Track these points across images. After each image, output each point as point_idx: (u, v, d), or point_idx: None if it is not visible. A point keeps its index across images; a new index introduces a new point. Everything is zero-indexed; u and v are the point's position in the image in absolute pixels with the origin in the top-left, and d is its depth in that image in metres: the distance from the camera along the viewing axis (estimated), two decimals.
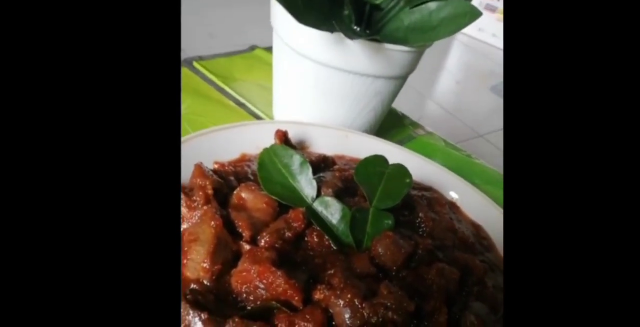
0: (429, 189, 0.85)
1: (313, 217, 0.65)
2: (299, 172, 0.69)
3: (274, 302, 0.56)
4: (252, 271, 0.56)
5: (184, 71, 1.15)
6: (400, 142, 1.10)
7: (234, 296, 0.58)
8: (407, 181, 0.72)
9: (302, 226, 0.64)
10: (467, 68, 3.67)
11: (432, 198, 0.81)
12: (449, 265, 0.65)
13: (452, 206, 0.84)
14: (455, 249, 0.72)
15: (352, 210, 0.67)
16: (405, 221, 0.74)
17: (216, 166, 0.76)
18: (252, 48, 1.33)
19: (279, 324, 0.54)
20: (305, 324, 0.54)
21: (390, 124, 1.16)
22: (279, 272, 0.55)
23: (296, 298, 0.55)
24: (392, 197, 0.70)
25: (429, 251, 0.66)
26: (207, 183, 0.65)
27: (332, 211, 0.67)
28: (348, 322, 0.55)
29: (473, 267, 0.67)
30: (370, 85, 0.93)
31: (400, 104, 1.18)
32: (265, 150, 0.71)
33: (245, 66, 1.24)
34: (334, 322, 0.56)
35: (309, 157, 0.78)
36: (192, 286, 0.57)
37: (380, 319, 0.55)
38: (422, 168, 0.89)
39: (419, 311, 0.59)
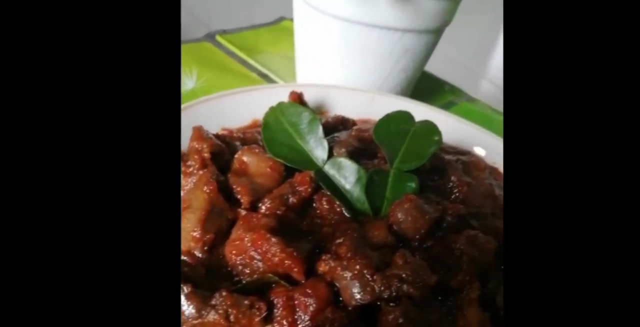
0: (466, 153, 0.74)
1: (323, 181, 0.57)
2: (307, 131, 0.61)
3: (270, 275, 0.48)
4: (246, 239, 0.49)
5: (206, 46, 1.10)
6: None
7: (228, 269, 0.51)
8: (436, 138, 0.62)
9: (309, 190, 0.56)
10: None
11: (469, 162, 0.70)
12: (485, 234, 0.55)
13: (494, 171, 0.73)
14: (495, 218, 0.61)
15: (369, 172, 0.58)
16: (435, 186, 0.64)
17: (224, 133, 0.70)
18: (280, 20, 1.26)
19: (275, 300, 0.47)
20: (306, 299, 0.46)
21: (427, 90, 1.05)
22: (274, 240, 0.48)
23: (295, 270, 0.48)
24: (417, 157, 0.60)
25: (460, 217, 0.56)
26: (205, 146, 0.58)
27: (345, 173, 0.58)
28: (357, 297, 0.47)
29: None
30: (398, 41, 0.83)
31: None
32: (271, 109, 0.63)
33: (271, 38, 1.18)
34: (340, 298, 0.48)
35: (325, 119, 0.70)
36: (183, 258, 0.51)
37: (394, 294, 0.46)
38: (459, 130, 0.78)
39: (444, 286, 0.50)
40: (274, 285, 0.48)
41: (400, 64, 0.86)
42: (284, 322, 0.46)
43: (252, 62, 1.06)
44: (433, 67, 1.18)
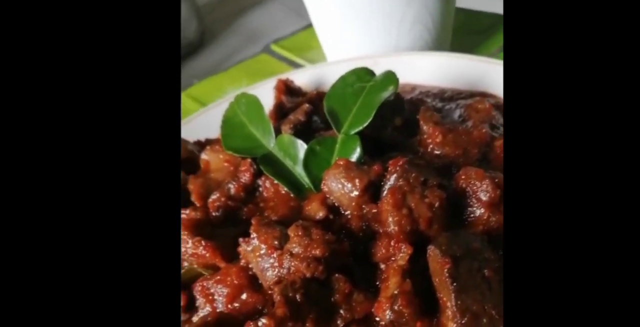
0: (473, 95, 0.62)
1: (265, 164, 0.54)
2: (256, 117, 0.59)
3: (195, 267, 0.48)
4: None
5: (262, 58, 1.14)
6: (493, 55, 0.84)
7: None
8: (390, 88, 0.54)
9: (248, 176, 0.54)
10: None
11: (466, 106, 0.58)
12: (440, 187, 0.45)
13: None
14: (480, 163, 0.50)
15: (310, 143, 0.53)
16: (410, 142, 0.55)
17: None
18: None
19: (194, 290, 0.47)
20: (220, 287, 0.45)
21: (480, 34, 0.90)
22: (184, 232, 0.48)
23: (207, 255, 0.47)
24: (367, 113, 0.53)
25: (407, 172, 0.46)
26: None
27: (291, 151, 0.55)
28: (267, 277, 0.43)
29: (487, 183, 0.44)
30: None
31: None
32: (230, 104, 0.63)
33: None
34: (260, 281, 0.45)
35: (301, 100, 0.66)
36: None
37: (286, 271, 0.41)
38: (475, 71, 0.66)
39: (364, 256, 0.43)
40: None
41: (408, 15, 0.77)
42: (205, 311, 0.46)
43: (298, 60, 1.07)
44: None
